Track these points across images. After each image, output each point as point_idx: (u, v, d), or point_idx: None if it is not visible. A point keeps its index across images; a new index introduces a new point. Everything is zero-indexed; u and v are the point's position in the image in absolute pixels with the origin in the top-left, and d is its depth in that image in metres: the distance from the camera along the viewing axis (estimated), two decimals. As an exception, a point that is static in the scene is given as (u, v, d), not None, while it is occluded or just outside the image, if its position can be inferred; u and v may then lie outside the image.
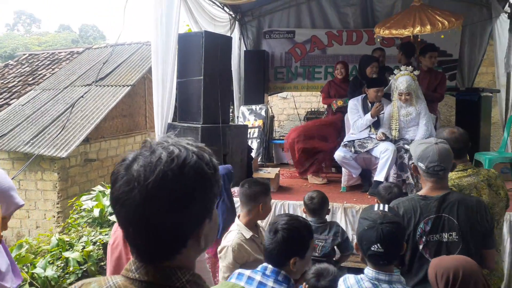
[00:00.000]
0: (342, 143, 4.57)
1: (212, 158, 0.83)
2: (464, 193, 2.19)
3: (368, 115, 4.41)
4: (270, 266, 1.71)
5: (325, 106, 6.02)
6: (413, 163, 2.14)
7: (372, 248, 1.65)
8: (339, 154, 4.43)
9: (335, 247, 2.81)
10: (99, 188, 5.14)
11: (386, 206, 1.83)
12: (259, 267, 1.73)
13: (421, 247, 2.01)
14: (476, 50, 6.47)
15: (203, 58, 4.12)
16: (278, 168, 4.93)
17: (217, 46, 4.28)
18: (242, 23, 6.85)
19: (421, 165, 2.03)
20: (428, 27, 4.05)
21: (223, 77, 4.38)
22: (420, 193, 2.10)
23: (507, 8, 5.93)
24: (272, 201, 4.09)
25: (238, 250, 2.23)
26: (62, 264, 3.53)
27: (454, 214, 1.97)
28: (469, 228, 1.95)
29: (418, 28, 4.08)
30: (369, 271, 1.69)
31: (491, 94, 5.88)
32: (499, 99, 6.07)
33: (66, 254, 3.52)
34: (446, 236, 1.97)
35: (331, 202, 4.04)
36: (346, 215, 3.98)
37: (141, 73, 7.47)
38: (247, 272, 1.72)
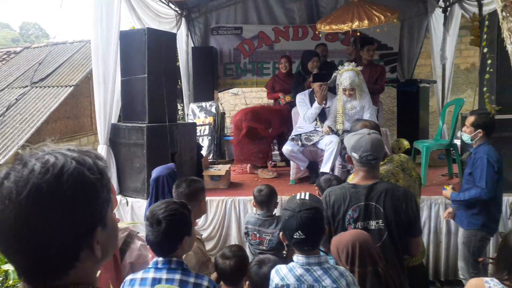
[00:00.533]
0: (290, 137, 4.66)
1: (98, 161, 0.78)
2: (390, 182, 2.30)
3: (315, 104, 4.52)
4: (160, 259, 1.68)
5: (271, 101, 6.08)
6: (346, 153, 2.22)
7: (295, 236, 1.72)
8: (287, 148, 4.51)
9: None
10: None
11: (307, 194, 1.91)
12: (150, 264, 1.71)
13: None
14: (414, 43, 6.81)
15: (147, 55, 4.03)
16: (229, 165, 4.94)
17: (161, 43, 4.20)
18: (189, 20, 6.77)
19: (354, 155, 2.11)
20: (366, 21, 4.21)
21: (169, 75, 4.31)
22: (351, 181, 2.19)
23: (441, 3, 6.28)
24: (223, 197, 4.14)
25: (197, 253, 2.23)
26: (1, 278, 3.33)
27: (381, 203, 2.05)
28: (394, 217, 2.03)
29: (356, 23, 4.23)
30: (299, 257, 1.74)
31: (428, 85, 6.22)
32: (436, 90, 6.43)
33: (5, 267, 3.33)
34: (373, 224, 2.06)
35: (280, 195, 4.12)
36: (295, 207, 4.06)
37: (84, 72, 7.16)
38: (139, 275, 1.69)
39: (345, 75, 4.20)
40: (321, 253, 1.76)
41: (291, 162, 4.72)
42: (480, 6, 5.15)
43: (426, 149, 4.29)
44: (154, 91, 4.12)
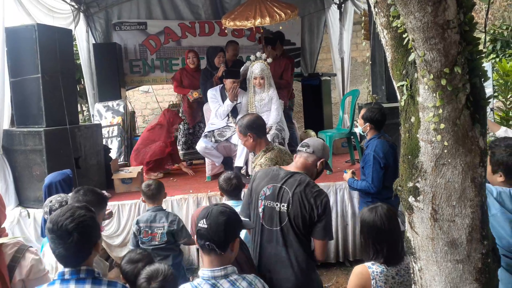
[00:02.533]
0: (203, 134, 4.67)
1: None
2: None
3: (227, 101, 4.58)
4: (67, 269, 1.56)
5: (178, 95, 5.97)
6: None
7: (199, 224, 1.66)
8: (200, 145, 4.52)
9: (172, 234, 2.92)
10: None
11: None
12: (56, 275, 1.58)
13: (260, 210, 2.21)
14: (314, 38, 7.21)
15: (39, 54, 3.73)
16: (141, 166, 4.78)
17: (55, 40, 3.91)
18: (88, 15, 6.37)
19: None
20: (268, 19, 4.36)
21: (66, 74, 4.04)
22: (284, 167, 2.35)
23: (336, 0, 6.72)
24: (136, 201, 4.00)
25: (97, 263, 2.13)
26: None
27: (291, 189, 2.17)
28: (297, 207, 2.13)
29: (259, 20, 4.36)
30: (204, 271, 1.65)
31: (329, 78, 6.63)
32: (337, 82, 6.89)
33: None
34: (279, 206, 2.18)
35: (196, 193, 4.14)
36: (211, 202, 4.09)
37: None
38: None
39: (256, 65, 4.40)
40: (228, 265, 1.67)
41: (206, 159, 4.73)
42: (368, 2, 5.61)
43: (329, 138, 4.58)
44: (51, 92, 3.85)
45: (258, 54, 4.44)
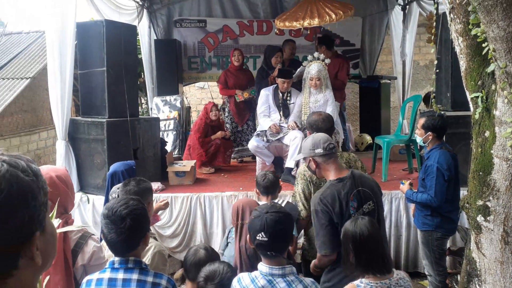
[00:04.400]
0: (255, 133, 4.68)
1: (31, 164, 0.73)
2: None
3: (269, 124, 4.53)
4: (117, 259, 1.63)
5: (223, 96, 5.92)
6: (309, 159, 2.26)
7: (258, 237, 1.68)
8: (252, 143, 4.53)
9: None
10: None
11: (285, 201, 1.91)
12: (107, 264, 1.66)
13: None
14: (375, 40, 6.96)
15: (105, 48, 3.90)
16: (194, 161, 4.88)
17: (120, 35, 4.08)
18: (151, 11, 6.60)
19: (318, 151, 2.17)
20: (316, 20, 4.25)
21: (129, 68, 4.19)
22: (332, 178, 2.22)
23: (400, 1, 6.46)
24: (188, 194, 4.10)
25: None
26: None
27: (365, 186, 2.17)
28: (375, 194, 2.19)
29: (307, 21, 4.27)
30: (263, 267, 1.69)
31: (389, 81, 6.40)
32: (397, 85, 6.63)
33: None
34: (366, 207, 2.15)
35: (245, 190, 4.16)
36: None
37: (42, 64, 6.86)
38: (95, 276, 1.65)
39: (313, 66, 4.32)
40: (287, 265, 1.71)
41: (257, 157, 4.73)
42: (436, 4, 5.34)
43: (386, 145, 4.41)
44: (114, 85, 4.01)
45: (316, 54, 4.37)
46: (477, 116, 1.39)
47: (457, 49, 1.44)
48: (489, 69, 1.28)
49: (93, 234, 1.92)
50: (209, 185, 4.53)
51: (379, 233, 1.89)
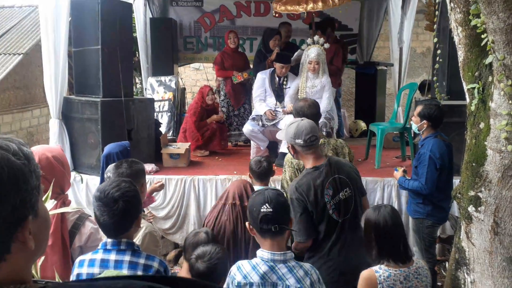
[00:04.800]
0: (251, 117, 4.67)
1: (23, 147, 0.73)
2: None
3: (265, 109, 4.53)
4: (109, 240, 1.65)
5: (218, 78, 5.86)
6: (289, 145, 2.28)
7: (262, 210, 1.67)
8: (247, 127, 4.51)
9: None
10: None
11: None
12: (99, 245, 1.67)
13: (330, 211, 2.18)
14: (373, 25, 6.90)
15: (100, 26, 3.84)
16: (189, 143, 4.87)
17: (116, 13, 4.01)
18: (147, -12, 6.48)
19: (298, 141, 2.18)
20: (320, 4, 4.21)
21: (124, 47, 4.13)
22: (308, 166, 2.24)
23: (400, -14, 6.37)
24: (182, 176, 4.10)
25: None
26: None
27: (342, 173, 2.20)
28: (353, 181, 2.22)
29: (311, 5, 4.22)
30: (264, 253, 1.68)
31: (386, 68, 6.37)
32: (393, 72, 6.60)
33: None
34: (343, 194, 2.18)
35: (240, 174, 4.17)
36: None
37: (35, 40, 6.72)
38: (87, 256, 1.67)
39: (312, 49, 4.28)
40: (287, 251, 1.71)
41: (252, 141, 4.74)
42: (437, -8, 5.29)
43: (381, 132, 4.42)
44: (109, 64, 3.96)
45: (316, 38, 4.32)
46: (473, 108, 1.39)
47: (456, 39, 1.43)
48: (487, 60, 1.28)
49: (90, 216, 1.93)
50: (203, 168, 4.54)
51: (401, 222, 1.94)
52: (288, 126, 2.27)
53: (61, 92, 4.02)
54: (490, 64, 1.32)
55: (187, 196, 4.08)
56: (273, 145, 4.75)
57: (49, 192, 1.48)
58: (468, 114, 1.45)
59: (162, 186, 3.16)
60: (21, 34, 6.92)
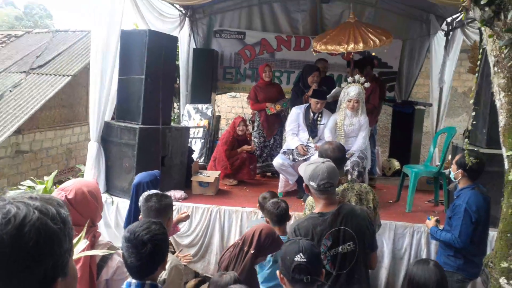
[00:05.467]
0: (282, 151, 4.68)
1: (61, 210, 0.77)
2: (347, 203, 2.38)
3: (297, 144, 4.55)
4: (133, 281, 1.65)
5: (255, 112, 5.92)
6: (305, 184, 2.23)
7: (296, 259, 1.66)
8: (278, 161, 4.53)
9: None
10: (28, 183, 4.88)
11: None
12: (124, 284, 1.67)
13: (325, 262, 2.11)
14: (414, 64, 6.83)
15: (146, 57, 4.03)
16: (219, 172, 4.93)
17: (162, 45, 4.20)
18: (193, 20, 6.75)
19: (312, 184, 2.13)
20: (361, 44, 4.23)
21: (167, 78, 4.30)
22: (316, 210, 2.21)
23: (444, 26, 6.32)
24: (209, 206, 4.13)
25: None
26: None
27: (349, 225, 2.11)
28: (361, 235, 2.13)
29: (352, 46, 4.25)
30: None
31: (424, 107, 6.25)
32: (431, 112, 6.47)
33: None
34: (344, 247, 2.11)
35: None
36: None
37: (84, 62, 7.14)
38: None
39: (352, 87, 4.30)
40: None
41: (280, 175, 4.73)
42: (481, 35, 5.19)
43: (414, 175, 4.31)
44: (150, 93, 4.12)
45: (357, 77, 4.34)
46: (510, 177, 1.34)
47: (498, 103, 1.40)
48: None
49: (118, 249, 1.97)
50: (231, 198, 4.56)
51: (445, 278, 1.98)
52: (307, 165, 2.23)
53: (103, 116, 4.21)
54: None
55: (212, 225, 4.09)
56: (302, 180, 4.71)
57: (83, 233, 1.54)
58: (505, 182, 1.39)
59: (187, 217, 3.21)
60: (72, 57, 7.36)
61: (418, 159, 6.33)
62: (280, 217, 2.76)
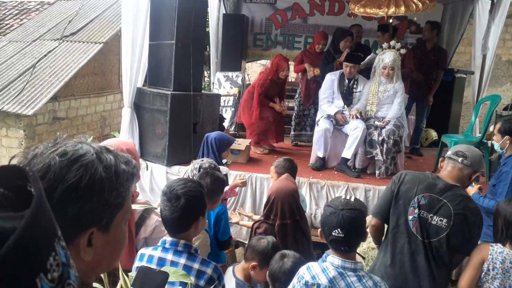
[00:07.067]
0: (326, 114, 4.48)
1: (122, 165, 0.76)
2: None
3: (335, 109, 4.42)
4: (169, 239, 1.67)
5: (299, 75, 5.79)
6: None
7: (333, 233, 1.66)
8: (324, 125, 4.31)
9: None
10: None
11: (354, 197, 1.86)
12: (160, 242, 1.69)
13: (410, 217, 2.08)
14: (455, 30, 6.44)
15: (176, 22, 3.95)
16: (249, 140, 4.89)
17: (191, 10, 4.09)
18: (222, -16, 6.57)
19: (449, 152, 2.17)
20: (403, 8, 4.01)
21: (197, 44, 4.22)
22: (437, 174, 2.17)
23: (490, -12, 5.88)
24: (240, 173, 4.12)
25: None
26: None
27: (453, 205, 2.01)
28: (460, 225, 2.01)
29: (392, 9, 4.03)
30: (334, 259, 1.68)
31: (465, 76, 5.93)
32: (473, 81, 6.11)
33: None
34: (435, 219, 2.04)
35: (298, 176, 4.10)
36: (311, 190, 4.03)
37: (115, 29, 7.12)
38: (148, 251, 1.70)
39: (387, 54, 4.16)
40: (358, 261, 1.70)
41: (313, 146, 4.61)
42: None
43: (454, 144, 4.12)
44: (181, 59, 4.07)
45: (392, 42, 4.13)
46: None
47: None
48: None
49: (156, 208, 1.98)
50: (261, 166, 4.53)
51: None
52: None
53: (135, 83, 4.21)
54: None
55: (243, 193, 4.09)
56: (324, 160, 4.55)
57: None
58: None
59: (244, 183, 3.25)
60: (103, 24, 7.36)
61: (457, 131, 6.06)
62: (265, 255, 2.18)
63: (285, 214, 2.55)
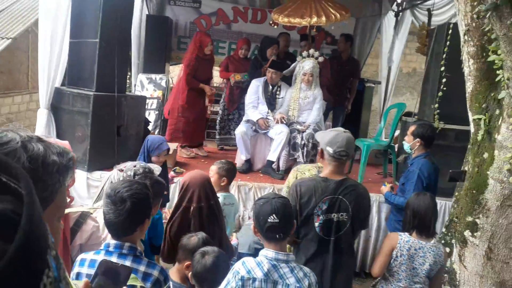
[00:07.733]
0: (245, 119, 4.66)
1: (49, 155, 0.74)
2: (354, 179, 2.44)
3: (258, 117, 4.57)
4: (112, 242, 1.62)
5: (224, 80, 5.91)
6: (320, 148, 2.28)
7: (269, 220, 1.75)
8: (241, 129, 4.48)
9: None
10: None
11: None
12: (102, 246, 1.64)
13: (316, 224, 2.19)
14: (366, 42, 7.06)
15: (101, 20, 3.80)
16: (176, 144, 4.84)
17: (117, 9, 3.97)
18: (146, -15, 6.43)
19: (329, 149, 2.18)
20: (324, 18, 4.32)
21: (122, 43, 4.10)
22: (321, 175, 2.28)
23: (394, 6, 6.57)
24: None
25: None
26: None
27: (347, 197, 2.19)
28: (356, 211, 2.21)
29: (314, 19, 4.33)
30: (268, 252, 1.75)
31: (373, 85, 6.52)
32: (380, 90, 6.77)
33: None
34: (337, 216, 2.20)
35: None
36: (240, 192, 4.13)
37: (25, 25, 6.57)
38: (89, 256, 1.64)
39: (307, 62, 4.41)
40: (290, 253, 1.81)
41: (238, 149, 4.73)
42: (429, 16, 5.48)
43: (366, 148, 4.52)
44: (105, 58, 3.91)
45: (311, 51, 4.42)
46: (479, 138, 1.46)
47: (466, 70, 1.50)
48: (500, 95, 1.35)
49: (91, 213, 1.90)
50: (188, 169, 4.50)
51: (435, 209, 2.43)
52: (329, 131, 2.34)
53: (53, 82, 3.95)
54: (497, 98, 1.39)
55: (171, 197, 4.04)
56: (250, 164, 4.71)
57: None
58: (471, 143, 1.52)
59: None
60: (11, 18, 6.75)
61: (366, 136, 6.62)
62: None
63: (200, 198, 2.51)
